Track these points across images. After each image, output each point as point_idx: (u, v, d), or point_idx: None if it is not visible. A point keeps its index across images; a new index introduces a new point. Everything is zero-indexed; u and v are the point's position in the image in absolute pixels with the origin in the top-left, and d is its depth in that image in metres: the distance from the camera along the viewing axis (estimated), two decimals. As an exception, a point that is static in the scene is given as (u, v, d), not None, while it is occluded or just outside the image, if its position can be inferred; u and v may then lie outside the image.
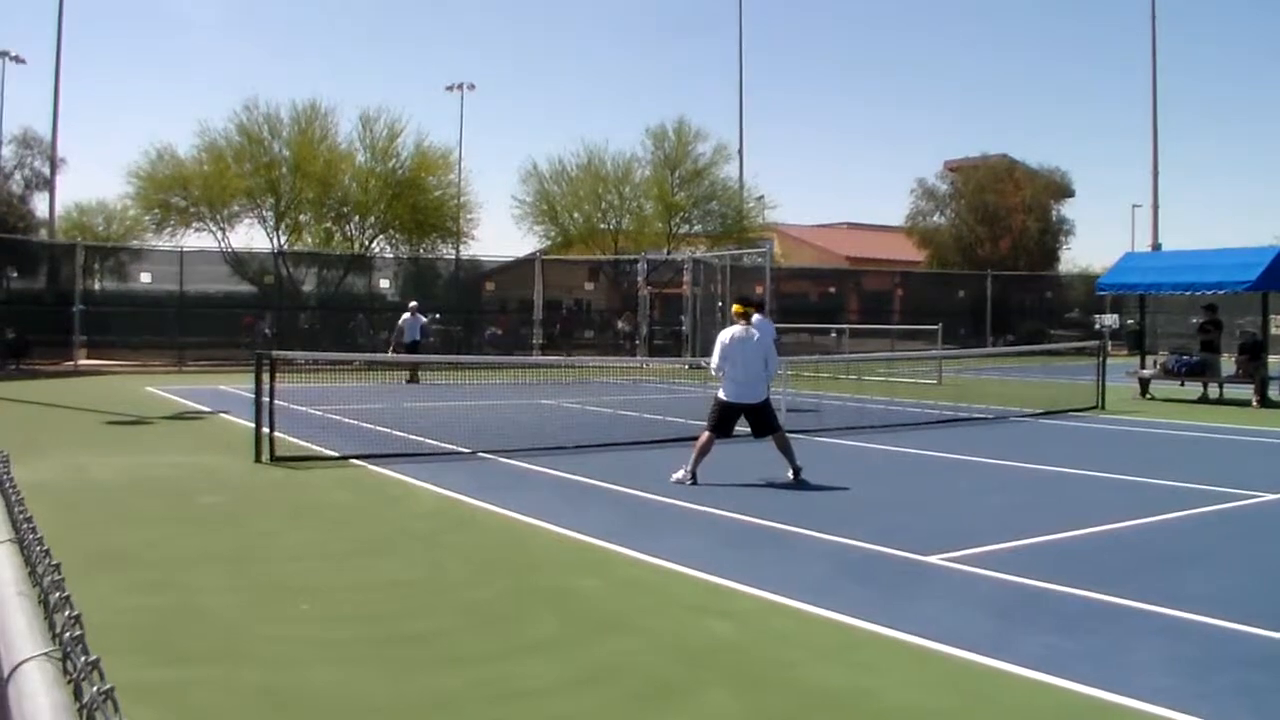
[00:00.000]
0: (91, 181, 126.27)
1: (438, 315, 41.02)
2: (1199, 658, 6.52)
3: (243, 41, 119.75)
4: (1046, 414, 21.81)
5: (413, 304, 32.28)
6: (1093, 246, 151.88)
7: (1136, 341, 29.92)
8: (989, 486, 13.49)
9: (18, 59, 53.01)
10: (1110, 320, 48.96)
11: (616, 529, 10.17)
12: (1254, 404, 23.98)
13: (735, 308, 13.85)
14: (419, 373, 29.92)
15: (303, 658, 6.44)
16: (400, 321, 31.55)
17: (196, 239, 43.41)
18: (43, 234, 44.45)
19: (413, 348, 30.48)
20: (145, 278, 39.57)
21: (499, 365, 32.99)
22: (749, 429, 13.36)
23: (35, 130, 45.97)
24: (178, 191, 43.28)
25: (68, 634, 1.76)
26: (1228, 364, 26.12)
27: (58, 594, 1.98)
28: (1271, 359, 25.55)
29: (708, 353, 14.60)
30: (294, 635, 6.90)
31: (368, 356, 32.50)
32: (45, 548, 2.31)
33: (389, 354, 30.37)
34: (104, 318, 37.23)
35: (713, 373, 13.72)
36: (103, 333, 37.04)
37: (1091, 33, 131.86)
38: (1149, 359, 28.07)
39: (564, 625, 7.25)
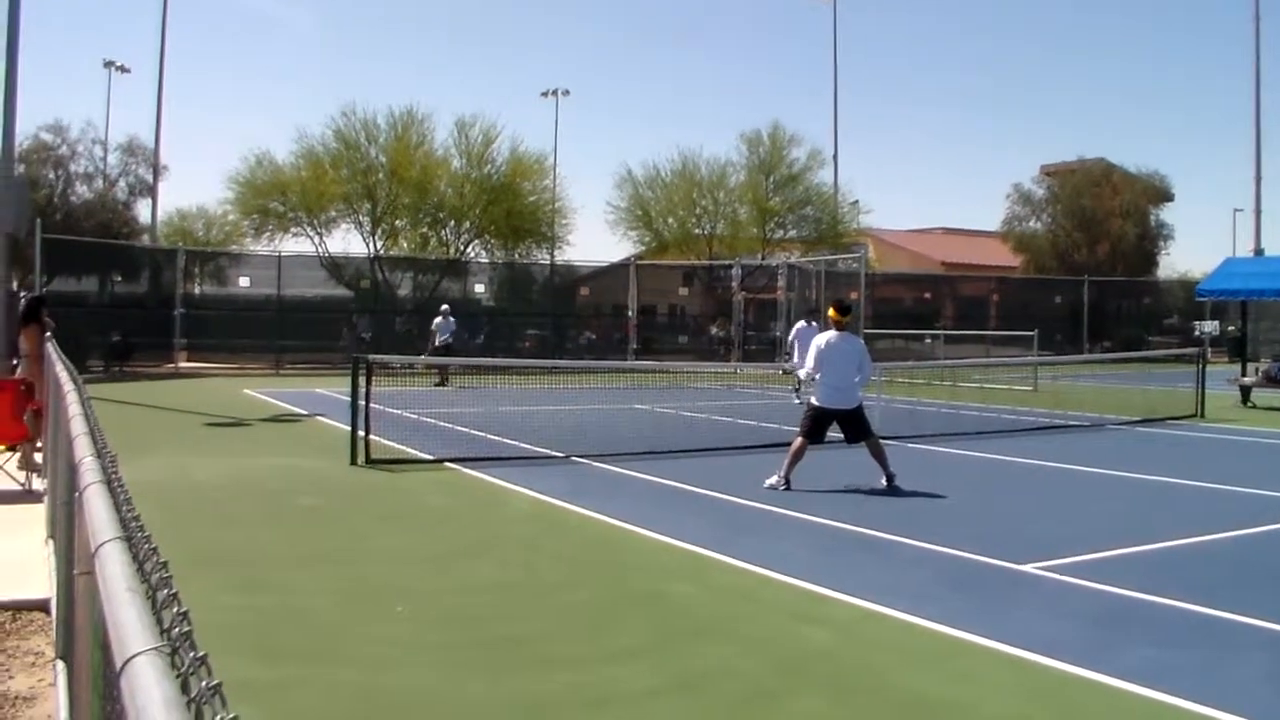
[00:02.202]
0: (193, 187, 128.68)
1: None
2: (1304, 671, 6.39)
3: (340, 48, 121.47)
4: (1144, 421, 21.47)
5: (444, 306, 32.38)
6: (1193, 251, 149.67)
7: (1237, 348, 29.41)
8: (1085, 495, 13.30)
9: (122, 68, 54.26)
10: (1210, 326, 48.11)
11: (710, 534, 10.17)
12: (1360, 413, 23.46)
13: (831, 313, 13.79)
14: (450, 375, 30.06)
15: (399, 659, 6.51)
16: (433, 325, 31.73)
17: (294, 244, 44.10)
18: (145, 239, 45.40)
19: (445, 350, 30.67)
20: (244, 282, 40.18)
21: (582, 370, 33.03)
22: (840, 435, 13.30)
23: (139, 138, 46.96)
24: (276, 197, 43.97)
25: (176, 630, 1.79)
26: (1333, 371, 25.57)
27: (165, 591, 2.02)
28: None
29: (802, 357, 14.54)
30: (390, 636, 6.97)
31: (463, 361, 32.71)
32: (153, 545, 2.35)
33: (424, 357, 30.38)
34: (203, 321, 37.90)
35: (804, 376, 13.67)
36: (202, 336, 37.66)
37: (1192, 34, 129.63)
38: (1250, 366, 27.54)
39: (658, 630, 7.26)
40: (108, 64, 53.67)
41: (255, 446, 16.87)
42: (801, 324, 26.17)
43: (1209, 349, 31.86)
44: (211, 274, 42.16)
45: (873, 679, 6.33)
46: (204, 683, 1.59)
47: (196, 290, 39.90)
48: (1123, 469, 14.91)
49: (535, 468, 14.63)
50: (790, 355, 25.94)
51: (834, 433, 13.28)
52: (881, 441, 13.32)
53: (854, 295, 34.61)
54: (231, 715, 1.52)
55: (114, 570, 2.11)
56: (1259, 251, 48.72)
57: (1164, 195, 66.22)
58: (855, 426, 13.08)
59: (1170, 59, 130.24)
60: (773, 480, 12.76)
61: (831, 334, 13.33)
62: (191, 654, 1.68)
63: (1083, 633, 7.15)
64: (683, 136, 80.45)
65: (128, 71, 55.38)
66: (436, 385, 28.62)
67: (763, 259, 46.19)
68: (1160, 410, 22.65)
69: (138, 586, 2.03)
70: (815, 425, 13.03)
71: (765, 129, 51.31)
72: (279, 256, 40.10)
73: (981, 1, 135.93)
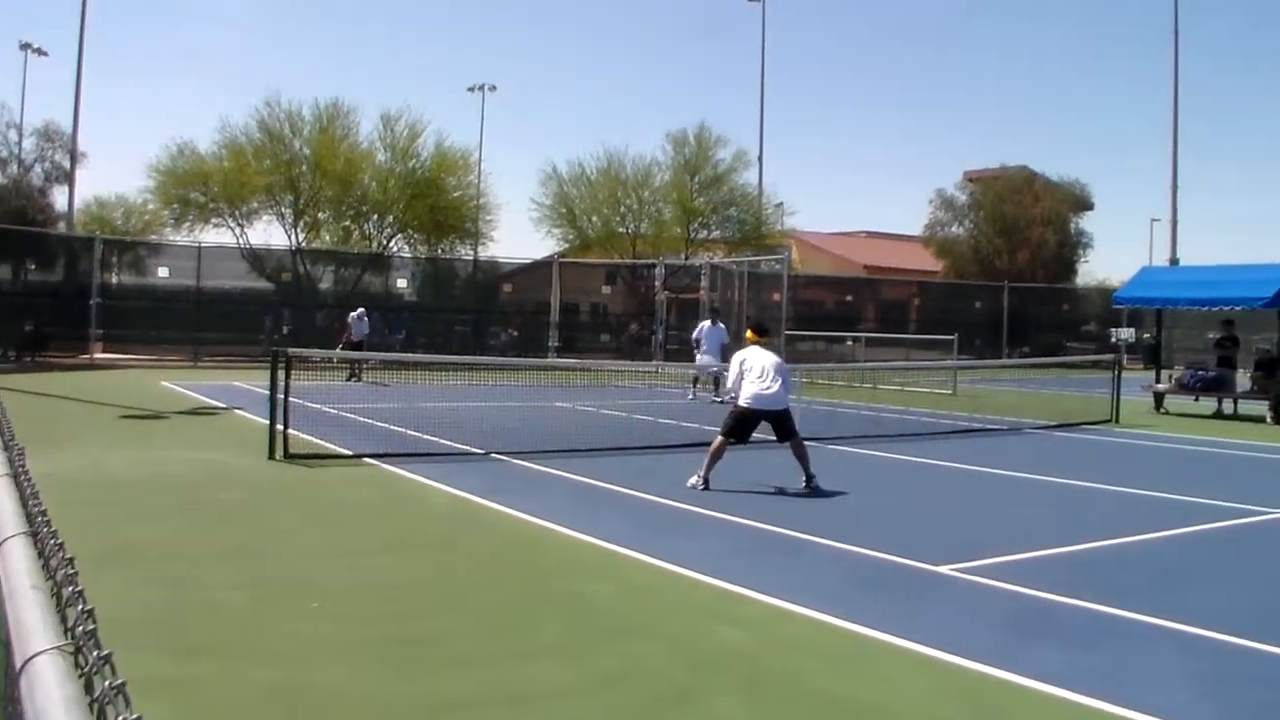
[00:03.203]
0: (112, 176, 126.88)
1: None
2: (1211, 674, 6.50)
3: (265, 39, 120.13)
4: (1060, 426, 21.76)
5: (360, 309, 32.25)
6: (1111, 260, 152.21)
7: (1152, 356, 29.87)
8: (1002, 498, 13.47)
9: (40, 51, 53.29)
10: (1126, 334, 48.89)
11: (629, 533, 10.16)
12: (1269, 420, 23.87)
13: (749, 335, 14.10)
14: (363, 371, 29.95)
15: (314, 655, 6.45)
16: (349, 320, 31.66)
17: (215, 235, 43.71)
18: (61, 227, 44.63)
19: (359, 346, 30.60)
20: (163, 272, 39.84)
21: (503, 367, 32.94)
22: (766, 436, 13.35)
23: (57, 123, 46.15)
24: (197, 187, 43.52)
25: (80, 628, 1.76)
26: (1243, 380, 26.04)
27: (71, 588, 1.99)
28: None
29: (724, 359, 14.63)
30: (305, 633, 6.91)
31: (382, 356, 32.54)
32: (59, 541, 2.31)
33: (337, 351, 30.21)
34: (121, 312, 37.43)
35: (728, 394, 13.81)
36: (119, 327, 37.20)
37: (1114, 46, 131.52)
38: (1164, 373, 27.98)
39: (574, 629, 7.25)
40: (24, 46, 52.58)
41: (171, 440, 16.65)
42: (706, 324, 27.27)
43: (1125, 356, 32.30)
44: (130, 264, 41.64)
45: (788, 679, 6.35)
46: (108, 682, 1.56)
47: (114, 280, 39.42)
48: (1039, 473, 15.09)
49: (454, 464, 14.57)
50: (698, 347, 26.88)
51: (758, 433, 13.33)
52: (805, 442, 13.39)
53: (776, 297, 34.82)
54: (135, 715, 1.50)
55: (18, 566, 2.07)
56: (1175, 261, 49.55)
57: (1084, 204, 67.21)
58: (783, 427, 13.13)
59: (1092, 69, 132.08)
60: (693, 480, 12.79)
61: (751, 348, 13.46)
62: (95, 653, 1.65)
63: (997, 634, 7.22)
64: (609, 135, 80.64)
65: (45, 55, 54.33)
66: (348, 380, 28.47)
67: (686, 259, 46.30)
68: (1076, 415, 22.97)
69: (42, 584, 1.99)
70: (739, 426, 13.07)
71: (692, 129, 51.59)
72: (199, 247, 39.80)
73: (908, 8, 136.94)
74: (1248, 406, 25.28)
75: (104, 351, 35.94)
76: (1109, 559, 9.86)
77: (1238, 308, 25.38)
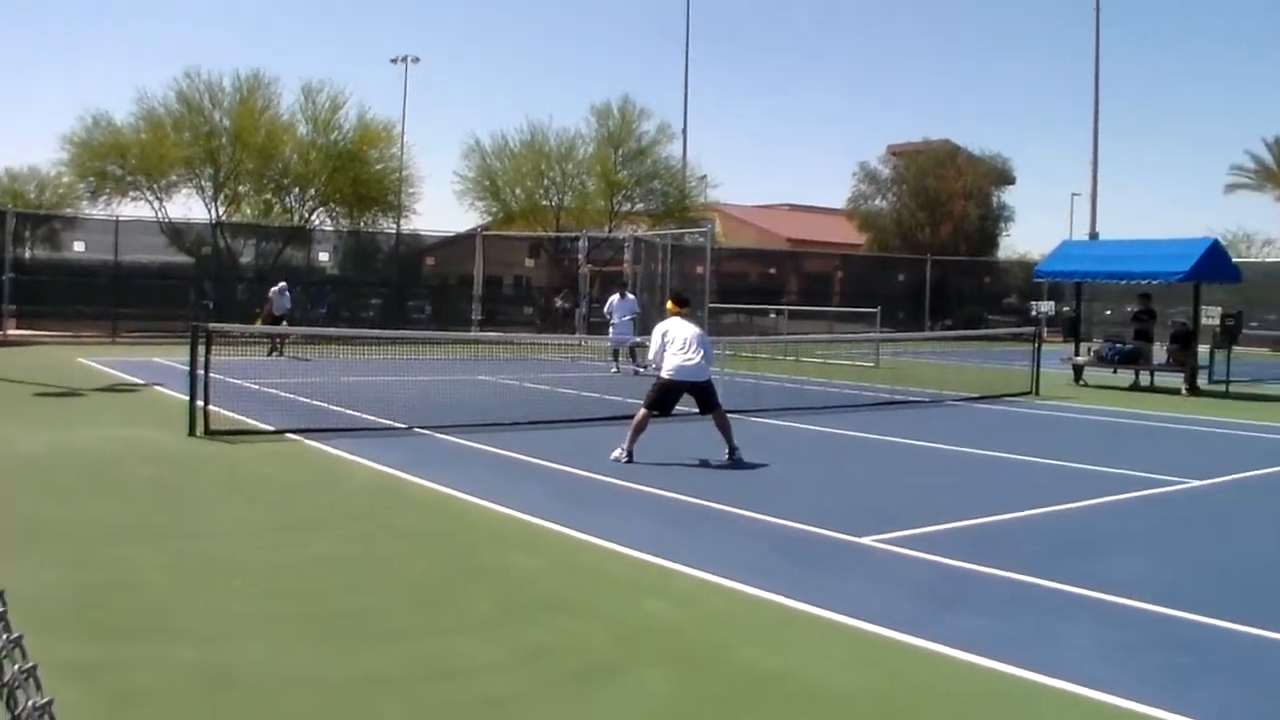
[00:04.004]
0: (24, 147, 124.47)
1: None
2: (1124, 640, 6.61)
3: (184, 6, 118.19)
4: (981, 398, 22.00)
5: (281, 283, 32.05)
6: (1032, 234, 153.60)
7: (1072, 328, 30.20)
8: (922, 469, 13.59)
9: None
10: (1046, 307, 49.36)
11: (554, 507, 10.16)
12: (1183, 392, 24.30)
13: (670, 305, 14.05)
14: (284, 345, 29.67)
15: (236, 634, 6.39)
16: (269, 294, 31.41)
17: (133, 208, 43.11)
18: (-31, 200, 43.82)
19: (280, 321, 30.44)
20: (79, 247, 39.23)
21: (425, 341, 32.80)
22: (688, 408, 13.39)
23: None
24: (114, 160, 42.81)
25: (-11, 610, 1.73)
26: (1160, 353, 26.44)
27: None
28: (1201, 348, 25.88)
29: (646, 331, 14.65)
30: (227, 611, 6.84)
31: (306, 331, 32.28)
32: (-31, 521, 2.28)
33: (257, 325, 29.84)
34: (35, 287, 36.76)
35: (650, 364, 13.82)
36: (34, 302, 36.48)
37: (1038, 22, 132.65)
38: (1083, 346, 28.33)
39: (500, 603, 7.24)
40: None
41: (88, 417, 16.41)
42: (615, 297, 28.12)
43: (1045, 329, 32.67)
44: (44, 238, 40.97)
45: (712, 650, 6.39)
46: (17, 665, 1.54)
47: (27, 255, 38.70)
48: (960, 444, 15.27)
49: (377, 439, 14.50)
50: (612, 319, 27.95)
51: (681, 405, 13.36)
52: (728, 415, 13.44)
53: (700, 270, 34.92)
54: (45, 699, 1.48)
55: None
56: (1094, 235, 50.15)
57: (1006, 178, 67.87)
58: (706, 399, 13.16)
59: (1015, 45, 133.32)
60: (617, 453, 12.81)
61: (673, 319, 13.46)
62: (5, 636, 1.63)
63: (916, 603, 7.30)
64: (533, 108, 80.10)
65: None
66: (269, 354, 28.20)
67: (610, 232, 46.29)
68: (997, 387, 23.22)
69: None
70: (661, 398, 13.09)
71: (616, 102, 51.53)
72: (116, 221, 39.21)
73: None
74: (1164, 378, 25.68)
75: (18, 328, 35.25)
76: (1027, 529, 10.00)
77: (1155, 281, 25.84)
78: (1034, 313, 48.42)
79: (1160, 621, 7.05)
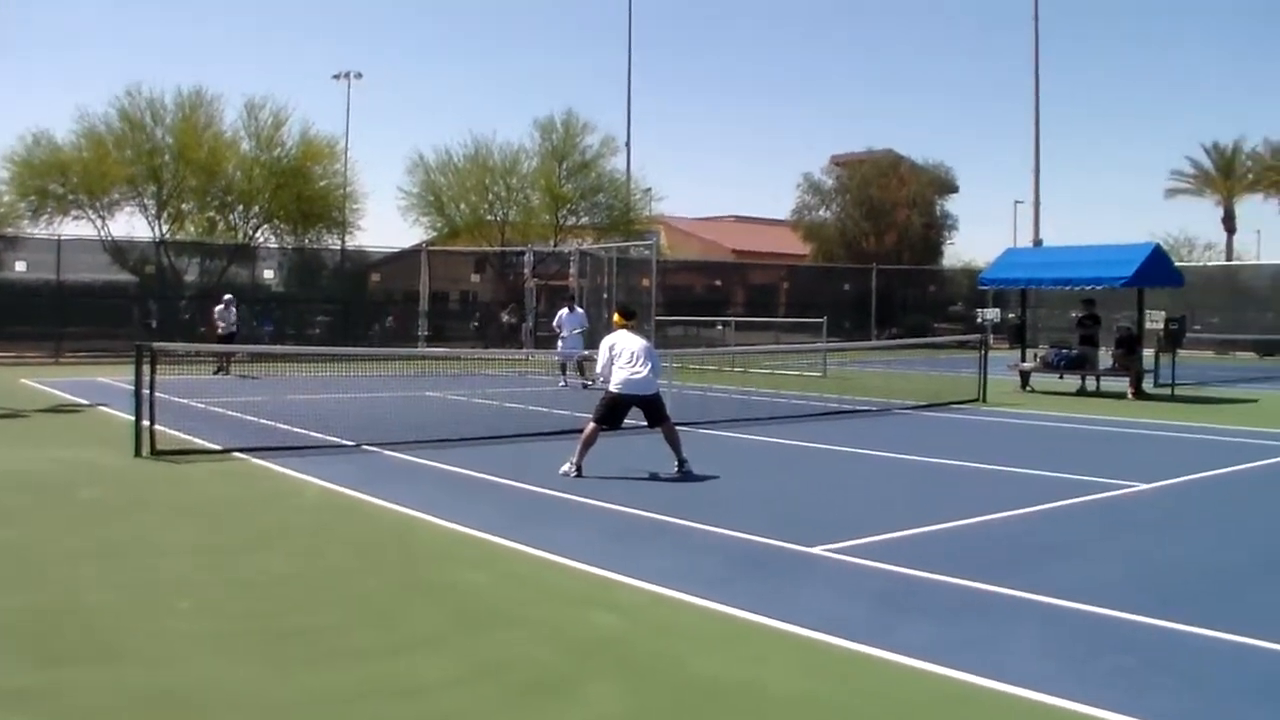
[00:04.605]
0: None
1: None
2: (1075, 644, 6.65)
3: (125, 24, 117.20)
4: (929, 406, 22.11)
5: (227, 296, 31.76)
6: (976, 241, 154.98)
7: (1017, 335, 30.40)
8: (872, 478, 13.65)
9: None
10: (992, 314, 49.72)
11: (503, 522, 10.12)
12: (1129, 396, 24.55)
13: (616, 318, 14.06)
14: (230, 364, 29.45)
15: (185, 655, 6.32)
16: (215, 312, 31.14)
17: (75, 227, 42.67)
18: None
19: (228, 339, 30.23)
20: (20, 266, 38.88)
21: (372, 357, 32.70)
22: (637, 421, 13.38)
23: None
24: (55, 178, 42.33)
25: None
26: (1105, 357, 26.68)
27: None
28: (1145, 353, 26.15)
29: (594, 345, 14.64)
30: (175, 632, 6.77)
31: (251, 349, 32.06)
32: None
33: (214, 346, 29.54)
34: (-25, 308, 36.26)
35: (598, 378, 13.82)
36: (-27, 323, 36.05)
37: (978, 31, 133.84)
38: (1029, 352, 28.55)
39: (450, 620, 7.20)
40: None
41: (31, 438, 16.24)
42: (564, 311, 28.11)
43: (991, 336, 32.93)
44: (-16, 257, 40.52)
45: (663, 663, 6.38)
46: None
47: (-34, 275, 38.28)
48: (908, 452, 15.31)
49: (325, 457, 14.40)
50: (560, 333, 27.76)
51: (629, 419, 13.36)
52: (676, 427, 13.44)
53: (645, 282, 34.97)
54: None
55: None
56: (1038, 242, 50.55)
57: (949, 186, 68.39)
58: (654, 412, 13.16)
59: (955, 53, 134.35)
60: (565, 467, 12.77)
61: (619, 332, 13.45)
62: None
63: (868, 612, 7.33)
64: (476, 123, 79.94)
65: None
66: (216, 373, 27.97)
67: (555, 245, 46.30)
68: (944, 395, 23.37)
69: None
70: (609, 412, 13.07)
71: (559, 116, 51.58)
72: (59, 240, 38.95)
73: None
74: (1109, 383, 25.89)
75: (-42, 349, 34.90)
76: (976, 536, 10.04)
77: (1099, 287, 26.08)
78: (980, 320, 48.73)
79: (1109, 624, 7.10)
